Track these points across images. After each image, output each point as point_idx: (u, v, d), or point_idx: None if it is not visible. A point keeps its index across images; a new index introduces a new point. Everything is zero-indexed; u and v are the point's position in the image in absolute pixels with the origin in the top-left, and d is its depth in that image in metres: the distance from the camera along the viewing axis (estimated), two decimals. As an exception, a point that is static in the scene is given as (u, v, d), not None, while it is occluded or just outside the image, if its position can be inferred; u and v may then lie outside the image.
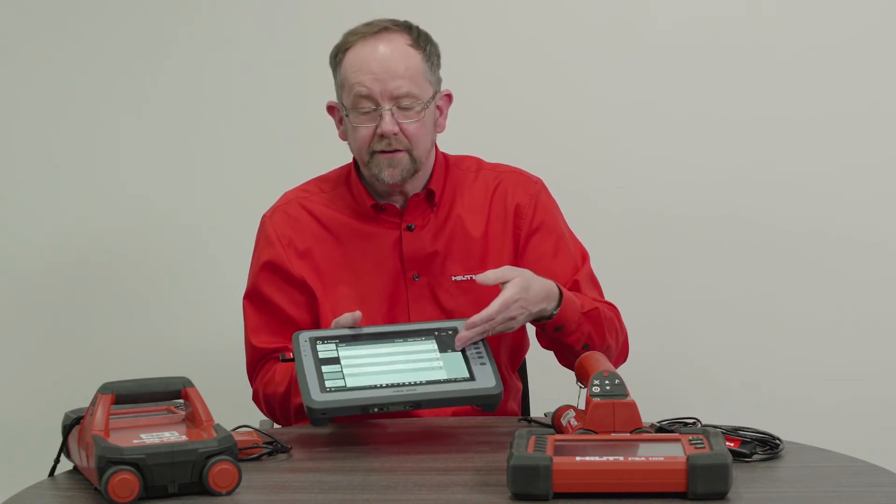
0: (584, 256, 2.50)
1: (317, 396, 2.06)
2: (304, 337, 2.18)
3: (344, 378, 2.10)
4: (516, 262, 2.44)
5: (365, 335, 2.20)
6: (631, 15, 3.19)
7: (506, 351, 2.48)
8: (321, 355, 2.14)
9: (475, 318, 2.16)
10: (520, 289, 2.19)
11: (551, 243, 2.46)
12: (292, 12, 3.23)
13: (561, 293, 2.28)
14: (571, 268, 2.45)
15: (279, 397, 2.37)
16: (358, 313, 2.21)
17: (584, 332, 2.33)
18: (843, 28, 3.15)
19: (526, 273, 2.23)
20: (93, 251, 3.30)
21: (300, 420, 2.39)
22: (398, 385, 2.10)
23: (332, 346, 2.17)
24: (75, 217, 3.29)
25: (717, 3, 3.18)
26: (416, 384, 2.11)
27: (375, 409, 2.09)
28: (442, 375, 2.13)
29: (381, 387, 2.09)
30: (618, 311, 2.46)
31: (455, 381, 2.12)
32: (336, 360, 2.14)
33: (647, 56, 3.18)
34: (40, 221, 3.30)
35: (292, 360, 2.16)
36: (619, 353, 2.46)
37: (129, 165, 3.29)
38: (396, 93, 2.34)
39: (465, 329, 2.17)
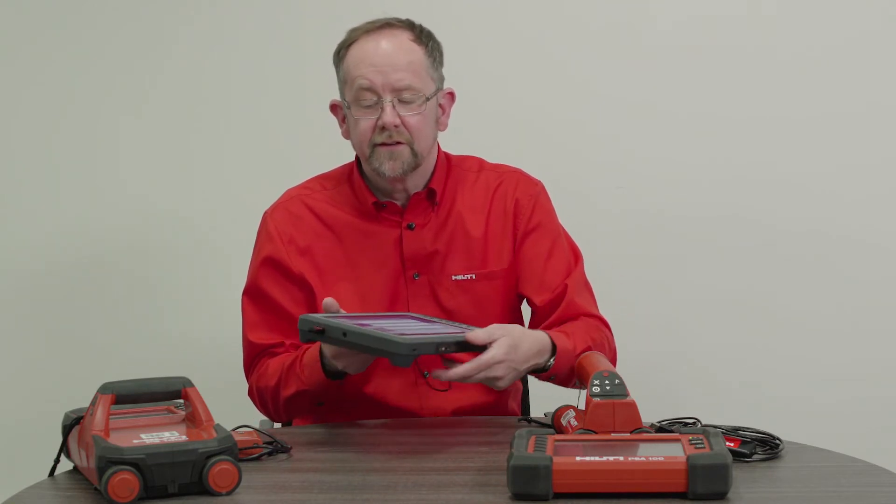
0: (578, 257, 2.50)
1: (400, 338, 2.01)
2: (314, 316, 2.13)
3: (394, 332, 2.09)
4: (514, 260, 2.44)
5: (358, 316, 2.20)
6: (631, 15, 3.19)
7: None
8: (350, 322, 2.11)
9: (451, 372, 2.12)
10: (506, 349, 2.14)
11: (547, 245, 2.46)
12: (293, 12, 3.23)
13: (554, 346, 2.26)
14: (564, 271, 2.45)
15: (270, 390, 2.37)
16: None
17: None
18: (843, 28, 3.15)
19: (515, 331, 2.20)
20: (93, 251, 3.30)
21: (290, 414, 2.41)
22: (434, 333, 2.11)
23: (347, 321, 2.12)
24: (75, 217, 3.29)
25: (718, 3, 3.18)
26: (445, 333, 2.13)
27: (443, 349, 2.08)
28: (449, 329, 2.17)
29: (426, 334, 2.09)
30: (607, 329, 2.44)
31: (463, 332, 2.15)
32: (368, 325, 2.11)
33: (647, 56, 3.18)
34: (40, 221, 3.30)
35: (321, 331, 2.09)
36: None
37: (129, 165, 3.29)
38: (398, 85, 2.34)
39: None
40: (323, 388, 2.29)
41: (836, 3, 3.15)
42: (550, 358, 2.26)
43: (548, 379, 2.32)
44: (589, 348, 2.31)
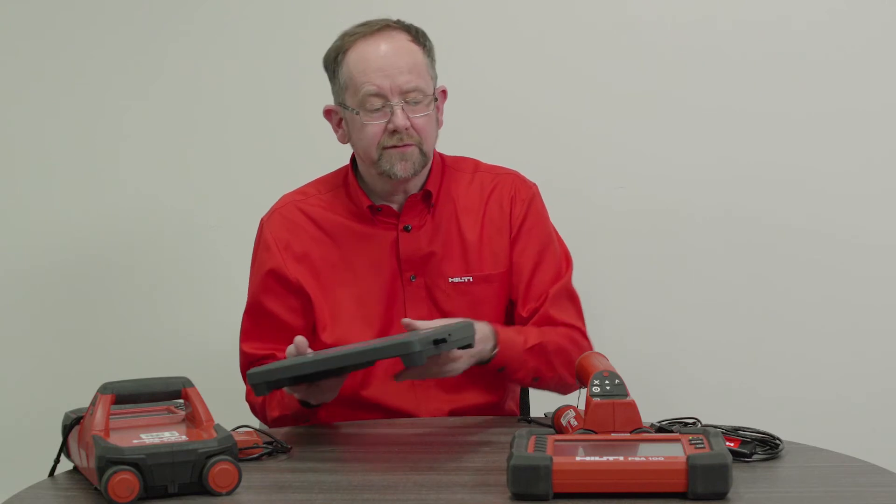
0: (568, 264, 2.49)
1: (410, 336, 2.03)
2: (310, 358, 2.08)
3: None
4: (509, 263, 2.44)
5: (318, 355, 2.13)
6: (631, 13, 3.18)
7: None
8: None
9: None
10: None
11: (537, 250, 2.45)
12: (295, 13, 3.23)
13: (496, 335, 2.27)
14: (550, 280, 2.44)
15: (259, 406, 2.41)
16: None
17: (531, 368, 2.33)
18: (843, 27, 3.15)
19: (467, 320, 2.20)
20: (93, 251, 3.30)
21: (279, 427, 2.41)
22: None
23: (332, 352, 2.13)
24: (76, 217, 3.29)
25: (718, 2, 3.18)
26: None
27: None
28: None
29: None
30: (583, 337, 2.43)
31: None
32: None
33: (647, 55, 3.18)
34: (41, 221, 3.30)
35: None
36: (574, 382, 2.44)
37: (129, 165, 3.28)
38: (405, 87, 2.34)
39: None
40: (303, 414, 2.32)
41: (837, 2, 3.15)
42: (494, 347, 2.27)
43: (497, 372, 2.32)
44: (539, 344, 2.33)
